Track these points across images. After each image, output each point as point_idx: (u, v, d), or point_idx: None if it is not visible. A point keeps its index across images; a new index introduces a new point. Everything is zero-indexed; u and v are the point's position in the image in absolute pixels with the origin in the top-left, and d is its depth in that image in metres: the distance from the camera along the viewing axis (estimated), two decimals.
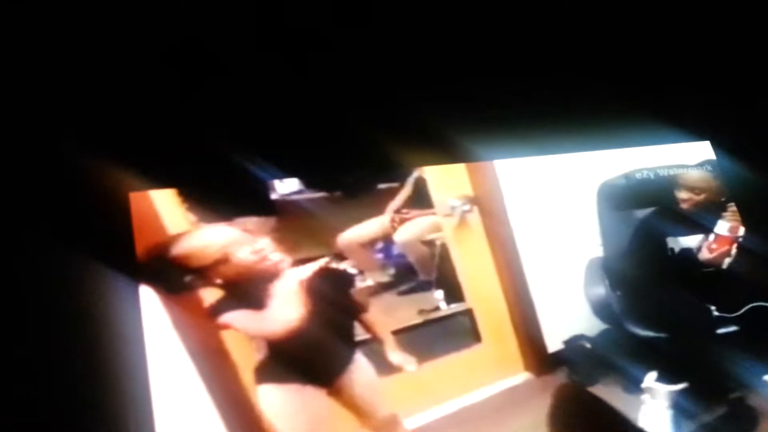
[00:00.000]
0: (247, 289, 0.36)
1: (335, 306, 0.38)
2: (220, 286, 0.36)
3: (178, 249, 0.36)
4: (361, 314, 0.38)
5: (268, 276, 0.37)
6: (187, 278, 0.35)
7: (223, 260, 0.36)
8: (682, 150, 0.52)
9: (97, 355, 0.33)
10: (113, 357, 0.33)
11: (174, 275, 0.35)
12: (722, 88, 0.54)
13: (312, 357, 0.36)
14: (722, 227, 0.50)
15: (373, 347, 0.38)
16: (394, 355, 0.38)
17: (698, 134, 0.53)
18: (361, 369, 0.37)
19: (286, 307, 0.37)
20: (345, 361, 0.37)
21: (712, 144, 0.53)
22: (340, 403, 0.36)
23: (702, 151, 0.52)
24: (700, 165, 0.51)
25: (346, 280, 0.38)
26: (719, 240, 0.49)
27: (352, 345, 0.38)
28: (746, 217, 0.51)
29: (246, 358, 0.35)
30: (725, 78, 0.54)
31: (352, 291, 0.38)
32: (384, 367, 0.38)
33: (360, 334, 0.38)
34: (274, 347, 0.36)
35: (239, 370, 0.35)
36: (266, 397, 0.35)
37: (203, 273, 0.36)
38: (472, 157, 0.45)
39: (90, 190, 0.35)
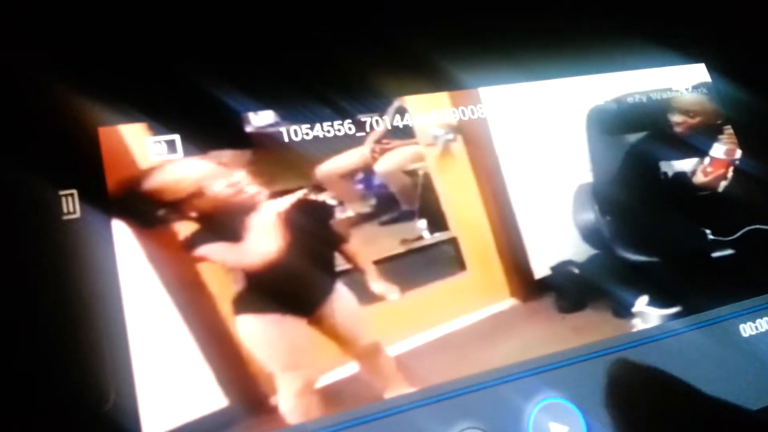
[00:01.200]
0: (223, 222, 0.36)
1: (314, 237, 0.37)
2: (195, 220, 0.35)
3: (151, 183, 0.35)
4: (342, 245, 0.38)
5: (245, 208, 0.36)
6: (161, 212, 0.35)
7: (198, 193, 0.36)
8: (675, 74, 0.50)
9: (71, 290, 0.33)
10: (87, 293, 0.33)
11: (147, 209, 0.35)
12: (716, 8, 0.52)
13: (291, 287, 0.36)
14: (718, 150, 0.49)
15: (355, 277, 0.37)
16: (376, 284, 0.37)
17: (693, 57, 0.51)
18: (342, 298, 0.37)
19: (264, 239, 0.36)
20: (325, 291, 0.37)
21: (707, 67, 0.52)
22: (320, 332, 0.36)
23: (696, 74, 0.51)
24: (695, 88, 0.50)
25: (326, 210, 0.38)
26: (715, 163, 0.48)
27: (333, 275, 0.37)
28: (743, 139, 0.49)
29: (223, 290, 0.35)
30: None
31: (332, 222, 0.38)
32: (366, 296, 0.37)
33: (341, 264, 0.38)
34: (253, 278, 0.35)
35: (216, 301, 0.35)
36: (245, 327, 0.34)
37: (177, 206, 0.35)
38: (455, 85, 0.44)
39: (58, 124, 0.35)
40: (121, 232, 0.34)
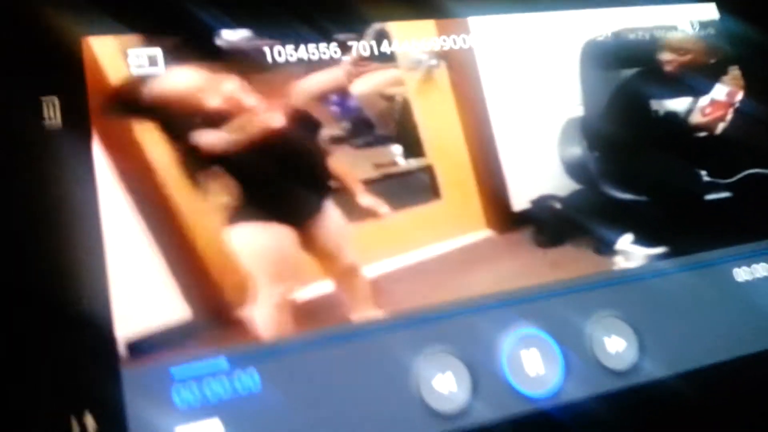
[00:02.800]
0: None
1: (305, 152, 0.37)
2: (178, 132, 0.36)
3: (133, 93, 0.35)
4: (329, 162, 0.37)
5: (231, 121, 0.36)
6: (142, 122, 0.35)
7: (181, 107, 0.36)
8: (682, 12, 0.48)
9: (48, 194, 0.33)
10: (64, 197, 0.33)
11: (128, 119, 0.35)
12: None
13: (284, 199, 0.36)
14: (720, 91, 0.46)
15: (341, 195, 0.37)
16: (364, 198, 0.37)
17: None
18: (330, 214, 0.37)
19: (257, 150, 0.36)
20: (316, 205, 0.37)
21: (718, 5, 0.49)
22: (306, 246, 0.36)
23: (705, 12, 0.48)
24: (702, 27, 0.48)
25: (314, 127, 0.38)
26: (715, 105, 0.46)
27: (323, 191, 0.37)
28: (749, 81, 0.47)
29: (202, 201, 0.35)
30: None
31: (319, 139, 0.37)
32: (351, 214, 0.37)
33: (331, 181, 0.38)
34: (247, 189, 0.35)
35: (197, 210, 0.35)
36: (236, 236, 0.35)
37: (161, 118, 0.35)
38: (444, 13, 0.42)
39: (43, 32, 0.35)
40: (100, 140, 0.34)
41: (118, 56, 0.36)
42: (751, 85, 0.47)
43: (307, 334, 0.34)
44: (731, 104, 0.46)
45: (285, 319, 0.34)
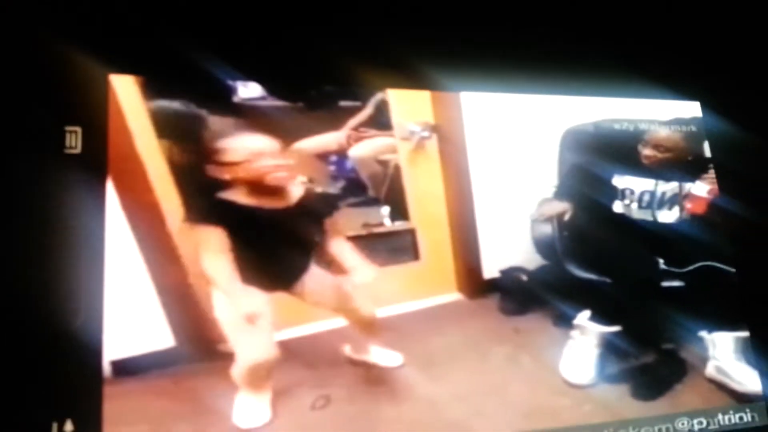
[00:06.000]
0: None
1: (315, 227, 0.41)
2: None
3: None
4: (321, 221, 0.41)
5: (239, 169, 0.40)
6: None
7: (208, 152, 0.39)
8: (666, 108, 0.52)
9: (60, 215, 0.35)
10: (75, 220, 0.36)
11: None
12: (719, 51, 0.53)
13: (274, 264, 0.40)
14: (700, 188, 0.50)
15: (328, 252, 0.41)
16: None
17: (689, 94, 0.53)
18: (315, 272, 0.40)
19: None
20: (303, 265, 0.40)
21: (702, 105, 0.53)
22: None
23: (688, 110, 0.52)
24: (683, 124, 0.52)
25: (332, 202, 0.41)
26: (695, 199, 0.50)
27: (311, 247, 0.41)
28: (722, 180, 0.51)
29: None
30: (721, 42, 0.54)
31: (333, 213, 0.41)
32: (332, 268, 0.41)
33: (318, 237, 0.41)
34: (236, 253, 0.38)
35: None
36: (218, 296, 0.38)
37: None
38: (439, 86, 0.46)
39: (73, 68, 0.37)
40: (115, 171, 0.37)
41: (138, 95, 0.39)
42: (724, 183, 0.51)
43: None
44: (708, 200, 0.50)
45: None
